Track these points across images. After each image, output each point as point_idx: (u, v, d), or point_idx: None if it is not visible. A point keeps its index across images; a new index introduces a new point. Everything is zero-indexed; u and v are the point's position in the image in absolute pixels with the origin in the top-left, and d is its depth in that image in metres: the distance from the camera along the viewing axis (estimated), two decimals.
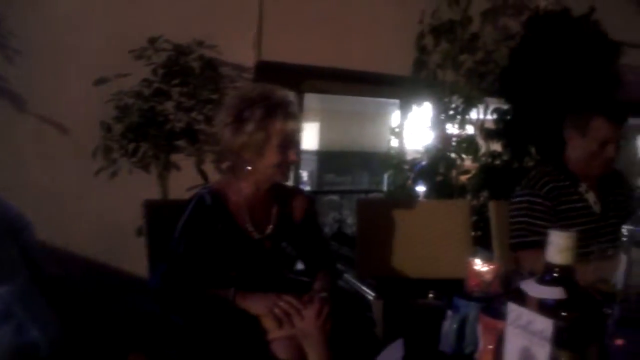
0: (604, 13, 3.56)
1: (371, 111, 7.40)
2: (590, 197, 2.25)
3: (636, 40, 4.24)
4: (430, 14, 3.36)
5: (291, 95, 1.90)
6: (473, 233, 2.85)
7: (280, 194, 1.98)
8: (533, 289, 0.96)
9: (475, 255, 2.26)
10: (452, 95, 3.43)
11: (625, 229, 1.31)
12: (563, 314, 0.92)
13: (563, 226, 2.02)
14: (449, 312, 1.34)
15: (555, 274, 0.95)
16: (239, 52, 3.21)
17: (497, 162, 3.60)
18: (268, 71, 3.31)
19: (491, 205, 2.57)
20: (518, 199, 2.26)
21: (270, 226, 1.92)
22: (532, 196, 2.20)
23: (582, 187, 2.25)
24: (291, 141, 1.84)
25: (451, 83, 3.40)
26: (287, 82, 3.65)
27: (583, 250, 1.54)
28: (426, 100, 3.48)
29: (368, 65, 3.53)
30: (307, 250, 2.01)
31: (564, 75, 3.27)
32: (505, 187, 3.36)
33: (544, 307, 0.93)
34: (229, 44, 3.09)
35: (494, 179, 3.53)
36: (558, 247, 0.95)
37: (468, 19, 3.32)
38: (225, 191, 1.90)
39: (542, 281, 0.96)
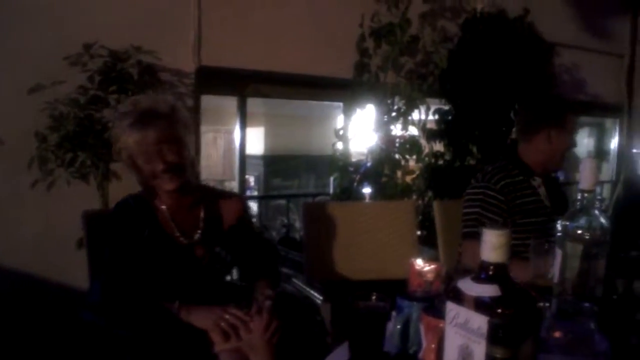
0: (538, 15, 3.68)
1: (316, 115, 7.42)
2: (542, 191, 2.32)
3: (569, 41, 4.41)
4: (370, 17, 3.39)
5: (150, 102, 1.80)
6: (419, 232, 2.89)
7: (207, 197, 1.94)
8: (469, 287, 0.98)
9: (420, 254, 2.28)
10: (394, 97, 3.47)
11: (559, 224, 1.34)
12: (498, 310, 0.93)
13: (520, 220, 2.15)
14: (393, 313, 1.34)
15: (490, 272, 0.97)
16: (178, 57, 3.17)
17: (440, 162, 3.67)
18: (209, 76, 3.28)
19: (435, 205, 2.61)
20: (473, 190, 2.29)
21: (199, 231, 1.87)
22: (487, 189, 2.23)
23: (536, 181, 2.31)
24: (152, 151, 1.74)
25: (393, 85, 3.45)
26: (230, 87, 3.66)
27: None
28: (369, 102, 3.50)
29: (310, 68, 3.54)
30: (243, 256, 1.97)
31: (501, 76, 3.36)
32: (449, 186, 3.44)
33: (480, 305, 0.94)
34: (168, 50, 3.04)
35: (437, 178, 3.59)
36: (491, 245, 0.96)
37: (407, 21, 3.36)
38: (149, 197, 1.86)
39: (478, 279, 0.98)
